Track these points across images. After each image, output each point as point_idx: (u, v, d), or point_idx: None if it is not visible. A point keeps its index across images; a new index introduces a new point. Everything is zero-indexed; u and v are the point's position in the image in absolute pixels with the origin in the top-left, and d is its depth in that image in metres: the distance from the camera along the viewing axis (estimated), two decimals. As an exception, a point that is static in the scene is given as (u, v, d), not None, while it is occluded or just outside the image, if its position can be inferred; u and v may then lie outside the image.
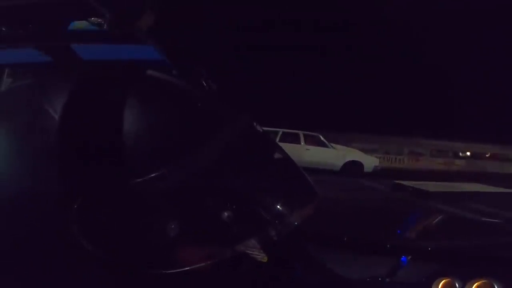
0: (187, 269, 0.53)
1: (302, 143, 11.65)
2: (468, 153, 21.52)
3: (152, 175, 0.49)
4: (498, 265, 1.04)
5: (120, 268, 0.51)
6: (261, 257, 0.75)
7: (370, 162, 12.25)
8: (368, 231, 1.27)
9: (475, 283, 0.96)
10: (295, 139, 11.57)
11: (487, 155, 21.72)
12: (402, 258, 1.04)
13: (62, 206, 0.48)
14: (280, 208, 0.58)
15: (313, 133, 12.02)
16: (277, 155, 0.63)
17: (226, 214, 0.52)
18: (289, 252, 0.94)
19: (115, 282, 0.52)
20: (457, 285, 0.97)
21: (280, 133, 11.41)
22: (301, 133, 11.82)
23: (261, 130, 0.65)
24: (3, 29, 0.83)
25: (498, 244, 1.24)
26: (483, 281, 0.95)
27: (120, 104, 0.52)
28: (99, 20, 0.77)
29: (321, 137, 12.01)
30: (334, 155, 11.86)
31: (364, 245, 1.12)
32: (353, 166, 11.86)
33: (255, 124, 0.63)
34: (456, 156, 21.12)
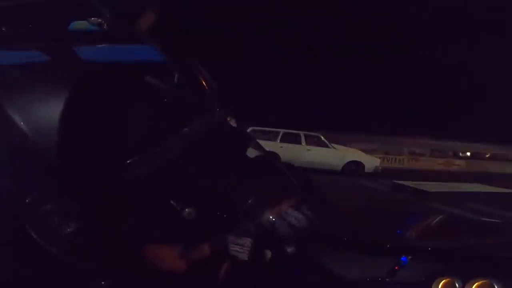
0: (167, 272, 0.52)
1: (303, 143, 11.65)
2: (468, 153, 21.53)
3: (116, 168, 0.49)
4: (498, 265, 1.04)
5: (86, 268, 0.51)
6: (244, 254, 0.74)
7: (371, 162, 12.25)
8: (368, 231, 1.27)
9: (475, 283, 0.96)
10: (296, 140, 11.58)
11: (487, 155, 21.72)
12: (402, 258, 1.04)
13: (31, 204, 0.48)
14: (256, 202, 0.57)
15: (313, 133, 12.02)
16: (252, 150, 0.63)
17: (198, 209, 0.51)
18: (289, 252, 0.94)
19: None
20: (457, 285, 0.97)
21: (281, 133, 11.43)
22: (302, 133, 11.82)
23: (235, 125, 0.65)
24: (3, 29, 0.83)
25: (498, 244, 1.24)
26: (483, 281, 0.95)
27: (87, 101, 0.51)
28: (99, 20, 0.77)
29: (321, 137, 12.01)
30: (335, 155, 11.87)
31: (364, 245, 1.12)
32: (354, 166, 11.87)
33: (229, 119, 0.63)
34: (456, 156, 21.12)
